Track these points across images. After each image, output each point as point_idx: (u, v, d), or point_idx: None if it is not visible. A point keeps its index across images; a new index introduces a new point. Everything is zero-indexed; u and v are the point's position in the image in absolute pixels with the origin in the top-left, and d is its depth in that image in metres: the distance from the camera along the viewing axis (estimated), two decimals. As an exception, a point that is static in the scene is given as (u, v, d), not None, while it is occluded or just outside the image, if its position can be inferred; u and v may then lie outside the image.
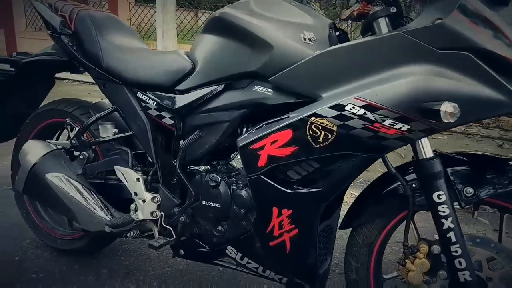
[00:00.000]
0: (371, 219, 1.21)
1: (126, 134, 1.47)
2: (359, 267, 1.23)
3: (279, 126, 1.11)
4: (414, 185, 1.11)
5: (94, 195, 1.45)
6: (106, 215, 1.43)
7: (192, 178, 1.33)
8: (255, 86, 1.21)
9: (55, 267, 1.72)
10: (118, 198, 1.52)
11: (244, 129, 1.29)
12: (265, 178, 1.16)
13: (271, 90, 1.18)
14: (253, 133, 1.18)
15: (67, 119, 1.56)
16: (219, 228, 1.31)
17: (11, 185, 2.45)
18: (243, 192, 1.25)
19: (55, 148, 1.51)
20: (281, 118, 1.14)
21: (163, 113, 1.35)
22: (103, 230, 1.43)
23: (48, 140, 1.58)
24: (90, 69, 1.48)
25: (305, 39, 1.15)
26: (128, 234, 1.46)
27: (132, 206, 1.45)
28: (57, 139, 1.83)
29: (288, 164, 1.15)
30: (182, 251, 1.40)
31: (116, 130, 1.50)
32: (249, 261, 1.27)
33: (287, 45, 1.14)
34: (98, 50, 1.45)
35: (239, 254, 1.28)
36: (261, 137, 1.14)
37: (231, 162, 1.43)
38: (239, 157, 1.21)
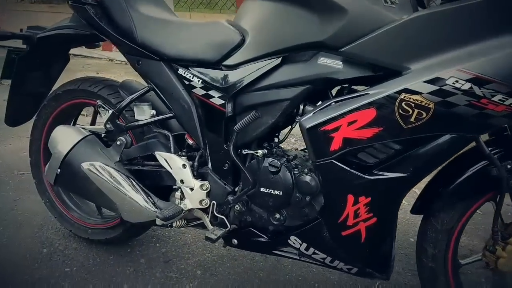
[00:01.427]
0: (451, 203, 1.10)
1: (166, 116, 1.32)
2: (437, 253, 1.14)
3: (359, 104, 0.98)
4: (509, 166, 1.00)
5: (135, 183, 1.32)
6: (150, 205, 1.30)
7: (247, 163, 1.20)
8: (321, 59, 1.07)
9: (88, 259, 1.61)
10: (156, 185, 1.39)
11: (301, 108, 1.16)
12: (338, 163, 1.04)
13: (341, 62, 1.04)
14: (321, 113, 1.04)
15: (97, 100, 1.40)
16: (279, 216, 1.19)
17: (22, 170, 2.34)
18: (308, 178, 1.12)
19: (88, 133, 1.36)
20: (357, 95, 1.01)
21: (210, 92, 1.20)
22: (148, 221, 1.31)
23: (79, 125, 1.43)
24: (122, 44, 1.31)
25: (386, 2, 1.00)
26: (174, 224, 1.34)
27: (177, 194, 1.32)
28: (75, 122, 1.68)
29: (366, 147, 1.03)
30: (235, 240, 1.28)
31: (154, 112, 1.35)
32: (316, 251, 1.17)
33: (366, 9, 0.99)
34: (130, 23, 1.28)
35: (304, 244, 1.17)
36: (334, 117, 1.01)
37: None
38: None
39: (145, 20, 1.29)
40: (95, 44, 1.73)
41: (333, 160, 1.04)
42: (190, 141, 1.34)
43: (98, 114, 1.41)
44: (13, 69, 1.57)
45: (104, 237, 1.62)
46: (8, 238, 1.72)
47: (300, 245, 1.18)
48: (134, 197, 1.30)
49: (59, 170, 1.33)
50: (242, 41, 1.18)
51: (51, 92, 1.63)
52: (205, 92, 1.21)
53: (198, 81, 1.22)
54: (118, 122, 1.34)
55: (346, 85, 1.13)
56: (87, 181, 1.30)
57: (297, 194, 1.16)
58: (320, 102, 1.12)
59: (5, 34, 1.48)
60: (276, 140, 1.29)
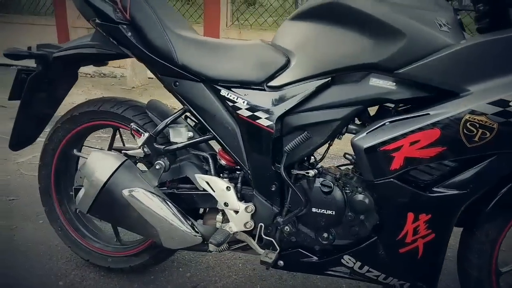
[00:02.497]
0: (495, 215, 1.16)
1: (206, 137, 1.29)
2: (482, 263, 1.19)
3: (422, 125, 1.01)
4: None
5: (175, 208, 1.28)
6: (191, 229, 1.27)
7: (296, 184, 1.20)
8: (372, 80, 1.10)
9: (111, 290, 1.53)
10: (188, 208, 1.36)
11: (346, 127, 1.19)
12: (398, 182, 1.07)
13: (394, 83, 1.08)
14: (377, 133, 1.07)
15: (132, 124, 1.33)
16: (327, 235, 1.20)
17: (10, 195, 2.18)
18: (361, 197, 1.15)
19: (125, 158, 1.30)
20: (415, 115, 1.04)
21: (257, 113, 1.19)
22: (189, 246, 1.28)
23: (116, 149, 1.35)
24: (158, 65, 1.26)
25: (441, 26, 1.04)
26: (213, 249, 1.31)
27: (218, 217, 1.29)
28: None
29: (425, 165, 1.06)
30: (281, 262, 1.27)
31: (191, 134, 1.32)
32: (370, 269, 1.18)
33: (423, 33, 1.03)
34: (168, 43, 1.24)
35: (358, 263, 1.18)
36: (395, 137, 1.04)
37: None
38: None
39: (183, 41, 1.26)
40: (104, 62, 1.67)
41: (392, 179, 1.07)
42: (223, 162, 1.32)
43: (133, 137, 1.35)
44: (22, 89, 1.47)
45: (127, 265, 1.54)
46: (17, 272, 1.60)
47: (354, 264, 1.19)
48: (176, 223, 1.25)
49: (95, 198, 1.25)
50: (288, 62, 1.19)
51: (66, 114, 1.54)
52: (251, 113, 1.20)
53: (243, 102, 1.20)
54: (156, 146, 1.29)
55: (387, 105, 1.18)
56: (128, 208, 1.24)
57: (349, 213, 1.17)
58: (358, 121, 1.15)
59: (22, 53, 1.39)
60: (312, 158, 1.30)
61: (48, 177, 1.59)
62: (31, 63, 1.46)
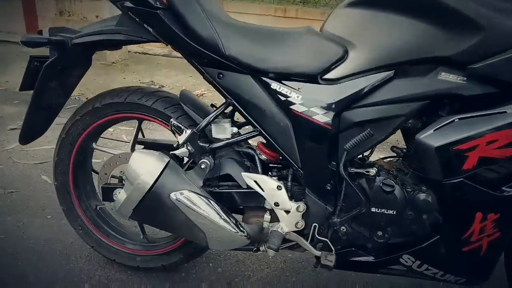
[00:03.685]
0: None
1: (253, 133, 1.20)
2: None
3: (501, 123, 0.97)
4: None
5: (220, 209, 1.20)
6: (239, 230, 1.20)
7: (354, 183, 1.14)
8: (442, 74, 1.04)
9: (142, 290, 1.45)
10: (229, 207, 1.28)
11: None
12: (469, 182, 1.03)
13: (465, 78, 1.02)
14: (447, 131, 1.02)
15: (172, 119, 1.22)
16: (383, 234, 1.16)
17: (8, 188, 2.01)
18: (425, 196, 1.10)
19: (168, 159, 1.19)
20: (489, 113, 1.00)
21: (313, 109, 1.11)
22: (235, 247, 1.22)
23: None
24: (201, 56, 1.15)
25: None
26: (262, 248, 1.25)
27: (266, 216, 1.23)
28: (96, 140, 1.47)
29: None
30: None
31: (235, 130, 1.23)
32: (429, 267, 1.16)
33: (504, 26, 0.97)
34: (213, 32, 1.13)
35: (418, 262, 1.16)
36: (471, 136, 0.99)
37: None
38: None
39: (229, 28, 1.15)
40: (120, 46, 1.52)
41: (463, 179, 1.03)
42: (263, 157, 1.25)
43: (174, 134, 1.24)
44: (34, 79, 1.32)
45: (159, 264, 1.46)
46: (36, 275, 1.48)
47: (413, 262, 1.17)
48: (223, 224, 1.18)
49: (139, 203, 1.15)
50: (345, 53, 1.11)
51: (85, 105, 1.40)
52: (306, 109, 1.12)
53: (297, 97, 1.12)
54: (201, 143, 1.20)
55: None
56: (175, 211, 1.15)
57: (410, 212, 1.13)
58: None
59: (40, 40, 1.23)
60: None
61: (66, 174, 1.46)
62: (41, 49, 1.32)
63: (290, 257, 1.64)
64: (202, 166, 1.19)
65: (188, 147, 1.19)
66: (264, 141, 1.21)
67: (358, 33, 1.12)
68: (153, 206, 1.16)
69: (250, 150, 1.24)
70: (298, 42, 1.15)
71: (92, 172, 1.56)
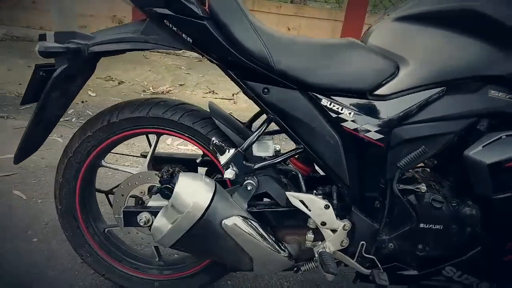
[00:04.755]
0: None
1: (298, 150, 1.15)
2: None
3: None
4: None
5: (263, 231, 1.14)
6: (283, 252, 1.15)
7: (405, 200, 1.14)
8: (491, 92, 1.07)
9: (163, 317, 1.34)
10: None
11: None
12: (517, 196, 1.07)
13: None
14: (497, 148, 1.05)
15: (213, 138, 1.12)
16: (428, 248, 1.18)
17: None
18: (470, 210, 1.13)
19: (215, 183, 1.09)
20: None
21: (366, 126, 1.09)
22: (280, 270, 1.17)
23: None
24: (248, 70, 1.07)
25: None
26: (303, 268, 1.21)
27: (309, 236, 1.18)
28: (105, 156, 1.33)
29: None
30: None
31: (278, 147, 1.16)
32: (468, 277, 1.20)
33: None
34: (261, 45, 1.05)
35: (459, 273, 1.19)
36: (524, 154, 1.03)
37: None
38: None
39: (276, 41, 1.08)
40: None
41: (512, 194, 1.07)
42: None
43: (214, 153, 1.14)
44: (40, 90, 1.15)
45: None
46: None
47: (454, 273, 1.20)
48: (271, 247, 1.13)
49: (186, 232, 1.04)
50: (397, 69, 1.09)
51: (96, 120, 1.24)
52: (359, 126, 1.09)
53: (349, 113, 1.09)
54: (246, 163, 1.12)
55: None
56: (224, 238, 1.06)
57: (454, 226, 1.16)
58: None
59: (59, 50, 1.06)
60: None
61: (72, 196, 1.30)
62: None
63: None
64: (249, 188, 1.11)
65: (233, 168, 1.10)
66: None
67: (409, 48, 1.10)
68: (202, 234, 1.06)
69: (292, 168, 1.19)
70: (349, 56, 1.11)
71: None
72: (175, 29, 1.05)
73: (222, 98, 3.62)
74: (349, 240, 1.18)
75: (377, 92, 1.09)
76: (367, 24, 5.68)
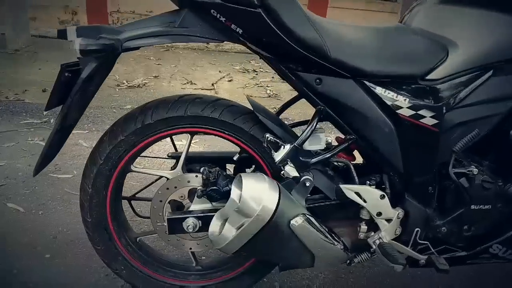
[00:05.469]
0: None
1: (350, 141, 1.11)
2: None
3: None
4: None
5: (321, 227, 1.10)
6: (342, 246, 1.13)
7: (458, 183, 1.14)
8: None
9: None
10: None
11: None
12: None
13: None
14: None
15: (267, 134, 1.06)
16: (476, 228, 1.20)
17: None
18: None
19: (276, 182, 1.03)
20: None
21: (421, 112, 1.07)
22: (337, 264, 1.14)
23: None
24: (304, 60, 1.01)
25: None
26: (357, 259, 1.20)
27: (363, 227, 1.16)
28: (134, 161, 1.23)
29: None
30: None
31: (329, 139, 1.12)
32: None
33: None
34: (316, 33, 0.99)
35: (504, 249, 1.22)
36: None
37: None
38: None
39: (330, 29, 1.03)
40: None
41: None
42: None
43: (268, 149, 1.08)
44: (65, 93, 1.04)
45: (229, 292, 1.30)
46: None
47: (500, 250, 1.23)
48: (331, 242, 1.09)
49: (253, 236, 0.98)
50: (447, 52, 1.08)
51: (128, 121, 1.14)
52: (414, 112, 1.07)
53: (405, 100, 1.07)
54: (302, 159, 1.06)
55: None
56: (290, 239, 1.01)
57: (499, 205, 1.18)
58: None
59: (99, 47, 0.95)
60: None
61: (103, 206, 1.19)
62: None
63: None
64: (307, 184, 1.07)
65: (291, 165, 1.05)
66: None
67: (457, 31, 1.10)
68: (269, 237, 1.01)
69: (342, 160, 1.15)
70: (400, 41, 1.09)
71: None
72: (223, 19, 0.97)
73: (202, 89, 3.50)
74: (402, 228, 1.17)
75: (429, 76, 1.08)
76: (332, 7, 5.72)
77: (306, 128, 1.07)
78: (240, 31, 0.98)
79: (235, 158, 1.27)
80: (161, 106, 1.14)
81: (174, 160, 1.26)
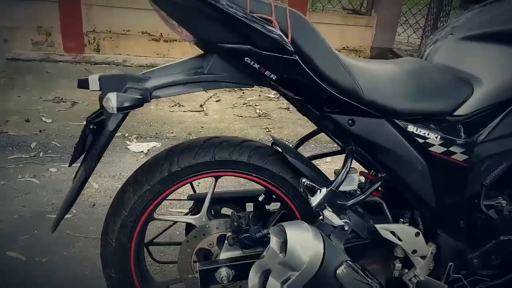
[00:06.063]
0: None
1: (382, 180, 1.10)
2: None
3: None
4: None
5: (362, 268, 1.08)
6: (379, 285, 1.11)
7: (488, 215, 1.15)
8: None
9: None
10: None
11: None
12: None
13: None
14: None
15: (303, 179, 1.03)
16: (508, 258, 1.21)
17: None
18: None
19: (317, 229, 1.00)
20: None
21: (452, 148, 1.08)
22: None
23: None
24: (338, 103, 0.99)
25: None
26: (390, 298, 1.18)
27: (397, 265, 1.15)
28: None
29: None
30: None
31: (362, 178, 1.11)
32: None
33: None
34: (349, 76, 0.98)
35: (531, 274, 1.24)
36: None
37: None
38: None
39: (360, 68, 1.02)
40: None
41: None
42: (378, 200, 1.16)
43: (304, 194, 1.05)
44: (87, 145, 0.99)
45: None
46: None
47: (528, 275, 1.24)
48: (372, 284, 1.07)
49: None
50: (472, 88, 1.10)
51: (153, 169, 1.09)
52: (445, 149, 1.08)
53: (436, 137, 1.07)
54: (340, 202, 1.04)
55: None
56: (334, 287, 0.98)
57: None
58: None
59: (135, 103, 0.90)
60: None
61: (127, 260, 1.13)
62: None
63: None
64: (346, 228, 1.04)
65: (328, 209, 1.03)
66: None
67: (481, 67, 1.11)
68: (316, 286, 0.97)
69: (376, 199, 1.14)
70: (427, 78, 1.10)
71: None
72: (257, 66, 0.94)
73: (191, 111, 3.44)
74: (435, 263, 1.17)
75: (457, 112, 1.09)
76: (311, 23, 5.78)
77: (341, 171, 1.05)
78: (274, 77, 0.96)
79: (260, 199, 1.24)
80: (186, 152, 1.09)
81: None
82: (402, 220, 1.14)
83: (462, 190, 1.12)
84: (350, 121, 1.04)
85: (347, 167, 1.05)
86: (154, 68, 1.02)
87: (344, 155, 1.26)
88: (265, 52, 0.92)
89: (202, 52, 1.03)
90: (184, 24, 0.92)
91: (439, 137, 1.07)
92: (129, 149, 2.73)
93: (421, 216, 1.15)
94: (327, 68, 0.97)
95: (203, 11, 0.89)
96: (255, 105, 3.72)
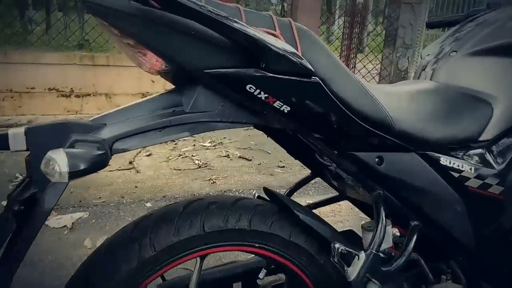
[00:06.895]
0: None
1: (417, 228, 0.87)
2: None
3: None
4: None
5: None
6: None
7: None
8: None
9: None
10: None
11: None
12: None
13: None
14: None
15: (335, 244, 0.75)
16: None
17: None
18: None
19: None
20: None
21: (487, 180, 0.90)
22: None
23: None
24: (363, 137, 0.77)
25: None
26: None
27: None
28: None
29: None
30: None
31: (397, 232, 0.87)
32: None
33: None
34: (376, 103, 0.77)
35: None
36: None
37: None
38: None
39: (387, 95, 0.81)
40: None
41: None
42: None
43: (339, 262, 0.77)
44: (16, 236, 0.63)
45: None
46: None
47: None
48: None
49: None
50: (492, 109, 0.95)
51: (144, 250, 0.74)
52: (481, 181, 0.90)
53: (471, 169, 0.89)
54: (384, 268, 0.78)
55: None
56: None
57: None
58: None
59: (89, 167, 0.57)
60: None
61: None
62: None
63: None
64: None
65: (375, 281, 0.76)
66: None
67: (496, 84, 0.97)
68: None
69: (413, 255, 0.90)
70: (446, 102, 0.92)
71: None
72: (263, 96, 0.68)
73: (119, 169, 3.00)
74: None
75: (482, 138, 0.92)
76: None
77: (377, 226, 0.80)
78: (287, 109, 0.70)
79: (261, 276, 0.93)
80: (163, 226, 0.77)
81: None
82: (444, 277, 0.92)
83: (502, 225, 0.94)
84: (377, 159, 0.81)
85: (382, 222, 0.80)
86: (108, 112, 0.71)
87: (344, 201, 1.06)
88: (277, 76, 0.66)
89: (174, 86, 0.75)
90: (152, 45, 0.64)
91: (473, 168, 0.89)
92: (47, 225, 2.20)
93: (461, 268, 0.94)
94: (350, 93, 0.74)
95: (182, 24, 0.62)
96: (192, 156, 3.39)
